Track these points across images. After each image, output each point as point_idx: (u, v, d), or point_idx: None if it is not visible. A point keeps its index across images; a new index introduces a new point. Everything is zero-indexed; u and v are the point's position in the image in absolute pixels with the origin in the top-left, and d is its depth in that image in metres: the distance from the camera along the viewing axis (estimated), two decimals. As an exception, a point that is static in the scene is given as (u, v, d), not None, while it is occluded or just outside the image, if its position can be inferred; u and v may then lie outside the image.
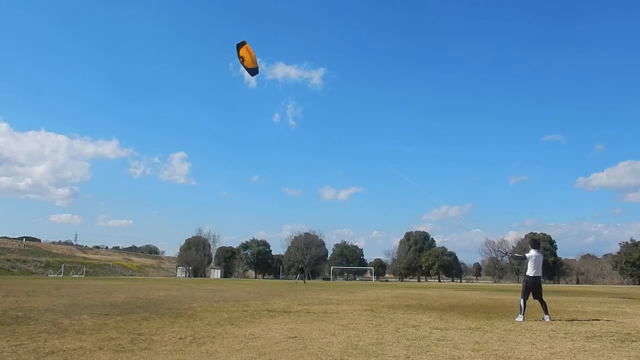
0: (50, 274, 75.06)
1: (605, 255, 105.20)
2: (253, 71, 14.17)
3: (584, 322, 11.34)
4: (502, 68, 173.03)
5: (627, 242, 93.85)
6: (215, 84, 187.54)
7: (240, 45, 13.46)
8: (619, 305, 18.02)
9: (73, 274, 75.60)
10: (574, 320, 11.74)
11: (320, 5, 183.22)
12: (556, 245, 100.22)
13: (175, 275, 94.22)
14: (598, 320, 11.82)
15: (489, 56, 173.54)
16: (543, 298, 11.69)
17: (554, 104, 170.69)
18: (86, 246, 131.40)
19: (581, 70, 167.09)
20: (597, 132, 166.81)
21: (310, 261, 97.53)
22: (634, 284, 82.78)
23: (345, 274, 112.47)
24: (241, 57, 13.58)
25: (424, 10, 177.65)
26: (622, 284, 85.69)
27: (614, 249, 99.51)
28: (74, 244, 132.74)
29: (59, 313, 11.55)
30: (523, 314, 11.32)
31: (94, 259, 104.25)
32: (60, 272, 76.60)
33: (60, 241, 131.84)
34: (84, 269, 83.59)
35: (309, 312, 12.83)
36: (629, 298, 23.95)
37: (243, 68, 13.98)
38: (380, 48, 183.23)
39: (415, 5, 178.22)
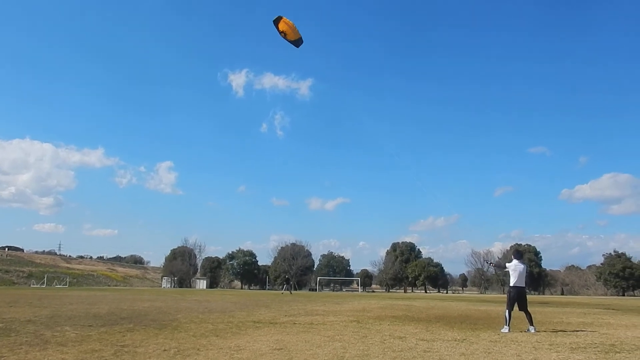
0: (33, 284, 73.77)
1: (590, 267, 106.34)
2: (297, 42, 14.32)
3: (569, 333, 11.42)
4: (487, 80, 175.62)
5: (610, 253, 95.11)
6: (203, 94, 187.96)
7: (277, 21, 13.57)
8: (603, 316, 18.19)
9: (56, 284, 74.38)
10: (559, 331, 11.83)
11: (308, 15, 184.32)
12: (541, 257, 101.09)
13: (160, 286, 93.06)
14: (582, 331, 11.92)
15: (474, 67, 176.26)
16: (528, 309, 11.77)
17: (539, 116, 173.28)
18: (70, 256, 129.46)
19: (566, 82, 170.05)
20: (581, 144, 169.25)
21: (297, 272, 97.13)
22: (618, 295, 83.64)
23: (332, 285, 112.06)
24: (282, 32, 13.71)
25: (411, 23, 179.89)
26: (606, 295, 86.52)
27: (598, 260, 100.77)
28: (58, 253, 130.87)
29: (41, 324, 11.37)
30: (508, 325, 11.37)
31: (77, 269, 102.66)
32: (43, 283, 75.22)
33: (44, 251, 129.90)
34: (68, 279, 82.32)
35: (295, 324, 12.77)
36: (613, 309, 24.17)
37: (287, 41, 14.20)
38: (368, 59, 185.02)
39: (402, 18, 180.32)
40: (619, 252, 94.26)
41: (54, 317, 13.27)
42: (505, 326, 11.41)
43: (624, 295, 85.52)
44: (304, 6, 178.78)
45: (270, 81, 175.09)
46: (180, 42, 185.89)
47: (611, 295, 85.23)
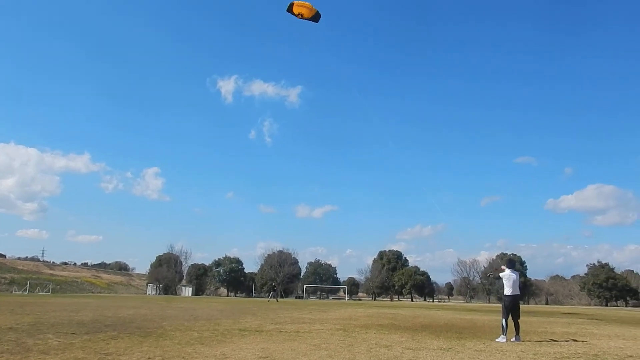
0: (15, 291, 72.61)
1: (574, 277, 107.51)
2: (315, 16, 15.04)
3: (553, 343, 11.51)
4: (472, 91, 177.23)
5: (594, 264, 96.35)
6: (191, 100, 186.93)
7: (290, 7, 14.14)
8: (587, 326, 18.36)
9: (39, 291, 73.26)
10: (543, 341, 11.91)
11: (299, 24, 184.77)
12: (526, 266, 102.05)
13: (146, 293, 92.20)
14: (566, 341, 12.01)
15: (460, 75, 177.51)
16: (518, 320, 11.79)
17: (525, 127, 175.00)
18: (53, 262, 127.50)
19: (551, 94, 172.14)
20: (567, 155, 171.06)
21: (284, 279, 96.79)
22: (601, 305, 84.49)
23: (319, 293, 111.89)
24: (299, 14, 14.23)
25: (408, 26, 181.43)
26: (590, 305, 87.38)
27: (582, 270, 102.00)
28: (41, 259, 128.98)
29: (23, 332, 11.20)
30: (506, 335, 11.35)
31: (61, 276, 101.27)
32: (26, 289, 74.14)
33: (27, 257, 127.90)
34: (51, 286, 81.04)
35: (281, 332, 12.72)
36: (596, 319, 24.40)
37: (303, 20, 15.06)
38: (358, 67, 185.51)
39: (398, 23, 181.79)
40: (603, 262, 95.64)
41: (36, 325, 13.07)
42: (502, 335, 11.38)
43: (607, 305, 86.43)
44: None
45: (260, 88, 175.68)
46: (169, 48, 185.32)
47: (595, 305, 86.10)
